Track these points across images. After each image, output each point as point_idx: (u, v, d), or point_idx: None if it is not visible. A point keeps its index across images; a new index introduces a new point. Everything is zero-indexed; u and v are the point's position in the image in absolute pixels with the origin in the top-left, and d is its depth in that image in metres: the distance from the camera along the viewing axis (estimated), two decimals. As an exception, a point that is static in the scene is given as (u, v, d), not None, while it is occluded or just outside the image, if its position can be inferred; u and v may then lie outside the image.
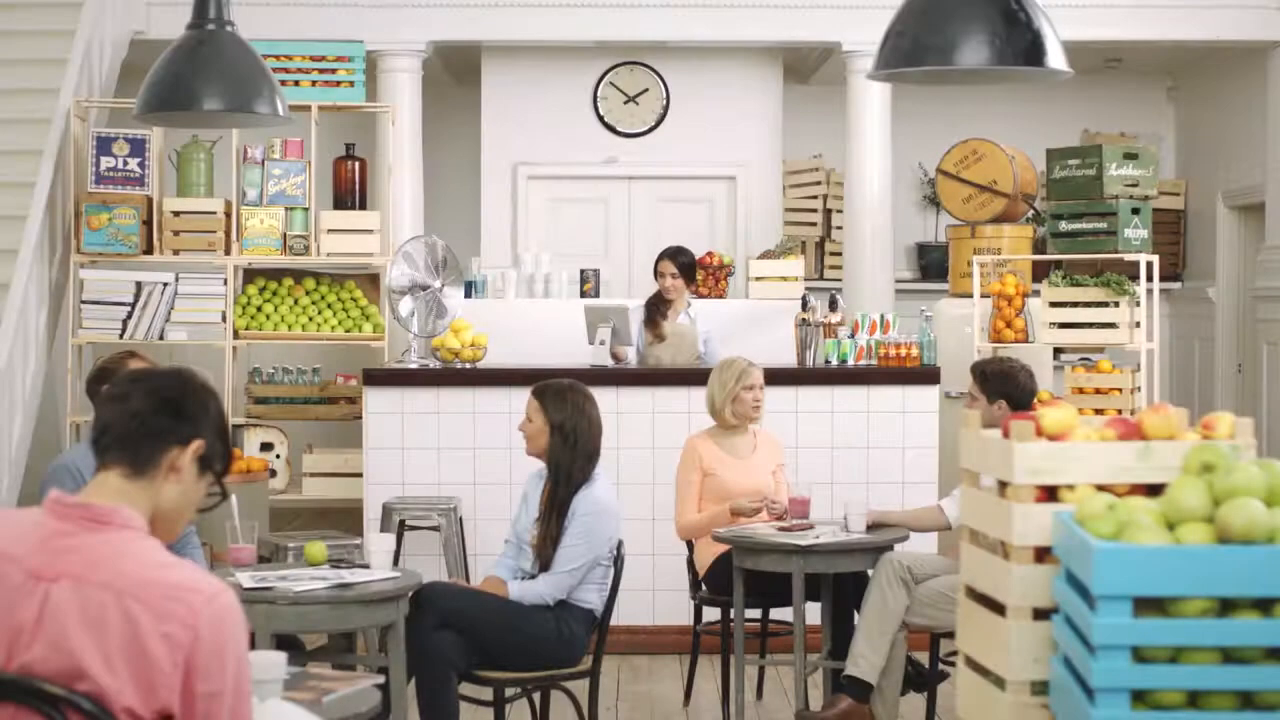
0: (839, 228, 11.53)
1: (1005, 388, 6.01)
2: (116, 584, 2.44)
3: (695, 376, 7.24)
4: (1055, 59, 4.61)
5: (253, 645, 4.70)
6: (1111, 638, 2.51)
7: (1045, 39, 4.59)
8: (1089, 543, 2.55)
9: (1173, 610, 2.53)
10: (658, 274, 8.43)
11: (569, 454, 5.39)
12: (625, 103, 10.89)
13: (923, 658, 6.17)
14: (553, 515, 5.37)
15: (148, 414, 2.58)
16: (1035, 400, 6.14)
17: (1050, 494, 2.89)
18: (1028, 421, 2.89)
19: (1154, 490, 2.88)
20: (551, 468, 5.45)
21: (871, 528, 6.08)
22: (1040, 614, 2.87)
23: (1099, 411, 7.86)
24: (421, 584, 5.14)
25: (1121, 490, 2.87)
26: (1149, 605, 2.54)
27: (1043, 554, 2.87)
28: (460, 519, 7.30)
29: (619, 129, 10.88)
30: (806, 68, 11.50)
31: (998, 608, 2.95)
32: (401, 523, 7.16)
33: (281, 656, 3.14)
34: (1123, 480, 2.87)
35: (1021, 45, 4.55)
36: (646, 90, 10.89)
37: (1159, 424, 2.90)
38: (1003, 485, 2.95)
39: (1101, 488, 2.85)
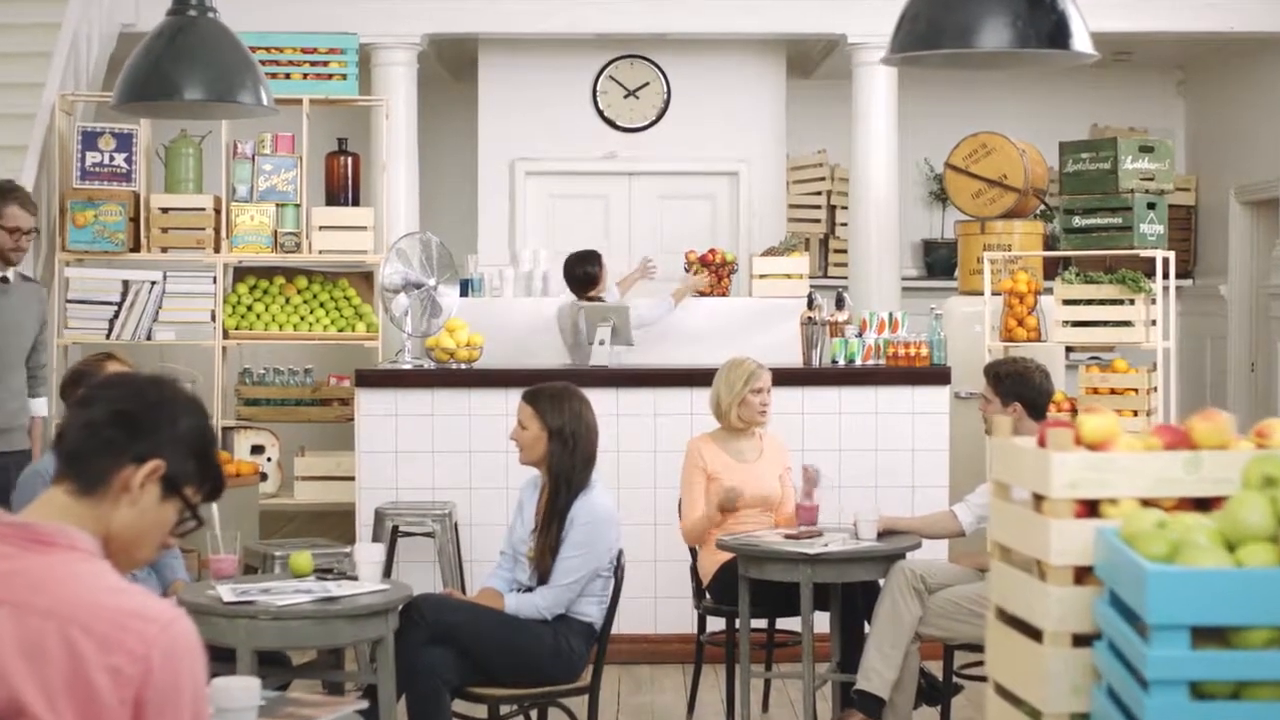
0: (843, 224, 11.37)
1: (1020, 389, 5.79)
2: (59, 611, 2.19)
3: (698, 377, 7.02)
4: (1081, 41, 4.38)
5: (233, 664, 4.49)
6: (1167, 672, 2.26)
7: (1070, 20, 4.35)
8: (1141, 565, 2.31)
9: (1235, 641, 2.29)
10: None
11: (569, 460, 5.15)
12: (625, 97, 10.70)
13: (936, 668, 5.93)
14: (553, 525, 5.13)
15: (101, 425, 2.34)
16: (1051, 402, 5.93)
17: (1090, 508, 2.65)
18: (1065, 429, 2.64)
19: (1203, 505, 2.64)
20: (551, 476, 5.20)
21: (882, 535, 5.84)
22: (1080, 640, 2.62)
23: (1115, 412, 7.62)
24: (412, 596, 4.88)
25: (1168, 505, 2.63)
26: (1208, 635, 2.30)
27: (1082, 574, 2.63)
28: (455, 525, 7.07)
29: (619, 123, 10.70)
30: (810, 61, 11.33)
31: (1032, 632, 2.70)
32: (394, 529, 6.93)
33: (254, 683, 2.91)
34: (1170, 494, 2.63)
35: (1045, 27, 4.31)
36: (647, 84, 10.71)
37: (1209, 432, 2.66)
38: (1038, 499, 2.71)
39: (1146, 502, 2.61)
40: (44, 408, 6.62)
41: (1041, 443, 2.69)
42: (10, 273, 6.55)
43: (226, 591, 4.60)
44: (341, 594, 4.64)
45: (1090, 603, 2.59)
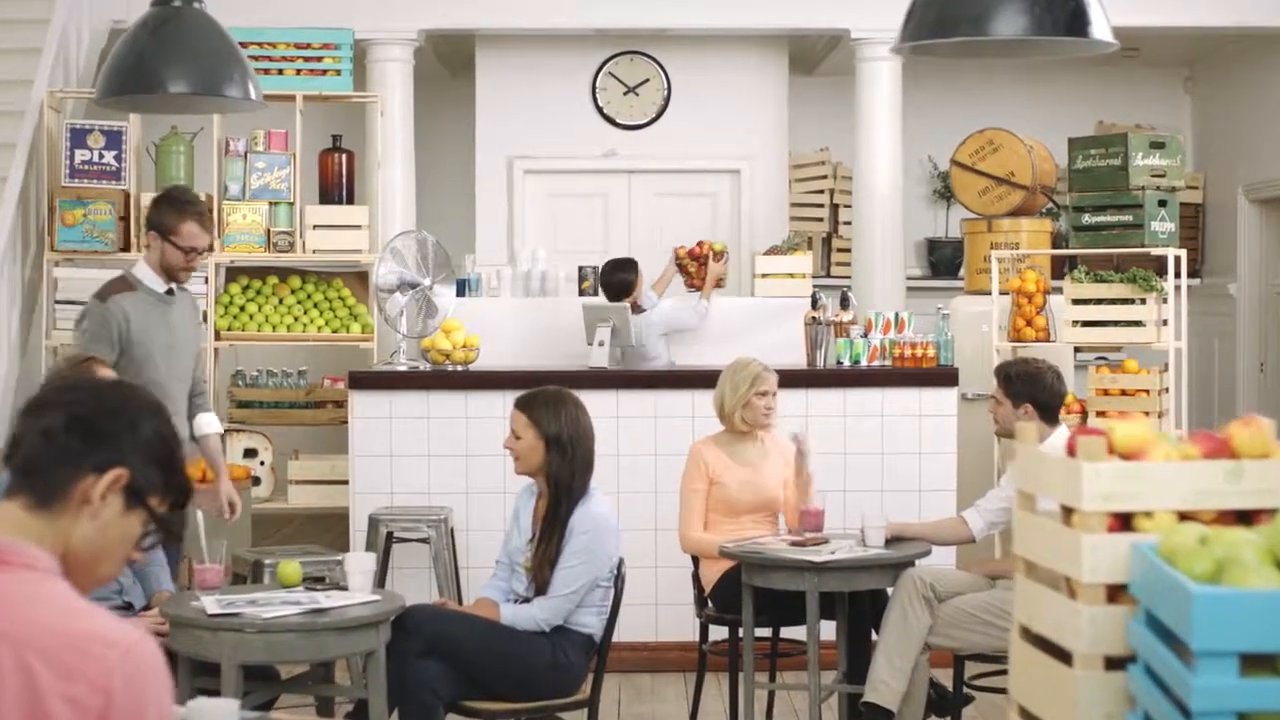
0: (846, 223, 11.24)
1: (1032, 390, 5.63)
2: (13, 634, 2.02)
3: (700, 379, 6.85)
4: (1100, 29, 4.20)
5: (218, 679, 4.31)
6: (1215, 702, 2.09)
7: (1088, 6, 4.18)
8: (1185, 586, 2.13)
9: (1287, 668, 2.12)
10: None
11: (568, 468, 4.97)
12: (625, 94, 10.59)
13: (944, 676, 5.76)
14: (553, 535, 4.95)
15: (58, 432, 2.16)
16: (1064, 404, 5.76)
17: (1123, 521, 2.48)
18: (1097, 438, 2.47)
19: (1244, 517, 2.47)
20: (551, 485, 5.02)
21: (890, 541, 5.67)
22: (1113, 663, 2.45)
23: (1125, 415, 7.47)
24: (404, 607, 4.70)
25: (1207, 518, 2.46)
26: (1257, 662, 2.12)
27: (1116, 592, 2.46)
28: (451, 530, 6.90)
29: (618, 121, 10.58)
30: (813, 57, 11.21)
31: (1061, 654, 2.53)
32: (389, 534, 6.76)
33: (232, 705, 2.73)
34: (1210, 506, 2.45)
35: (1063, 14, 4.14)
36: (647, 80, 10.59)
37: (1251, 439, 2.49)
38: (1067, 511, 2.53)
39: (1183, 515, 2.44)
40: (217, 423, 6.10)
41: (1071, 451, 2.52)
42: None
43: (211, 603, 4.42)
44: (331, 605, 4.46)
45: (1124, 623, 2.42)
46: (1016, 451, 2.76)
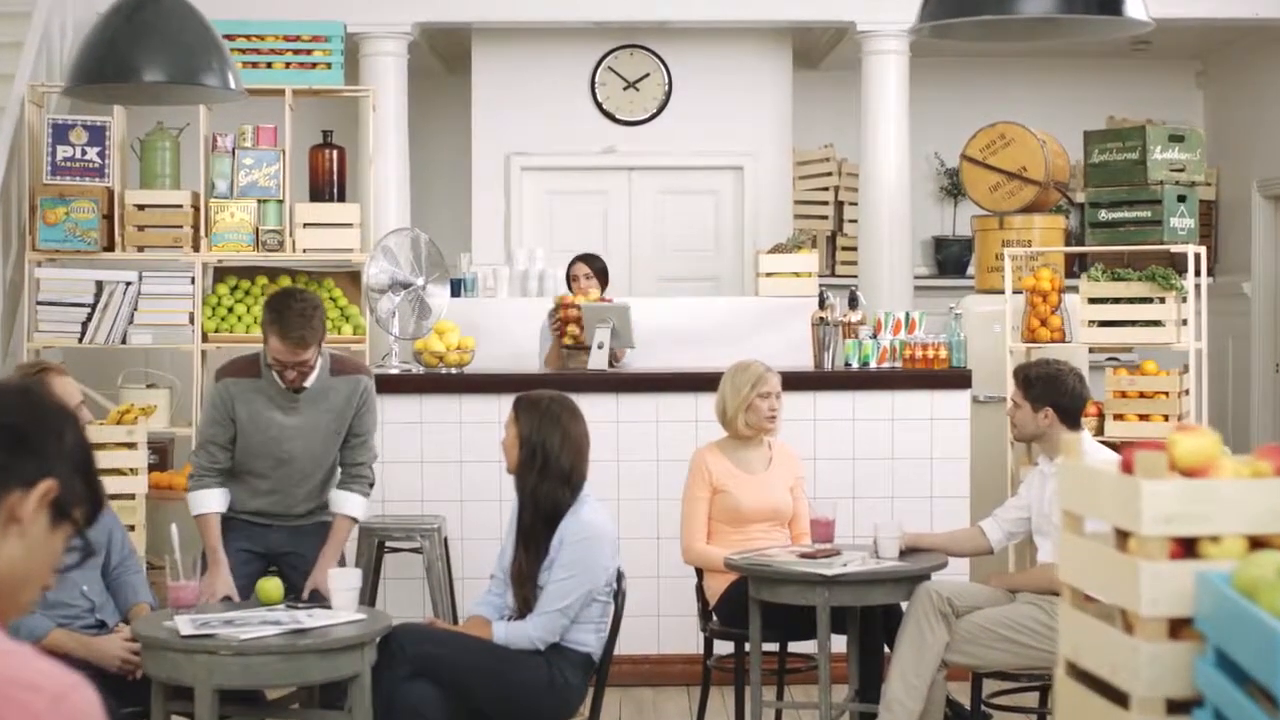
0: (852, 221, 11.02)
1: (1053, 393, 5.38)
2: None
3: (702, 381, 6.60)
4: (1134, 7, 3.94)
5: (192, 703, 4.05)
6: (1307, 760, 1.83)
7: (1122, -16, 3.92)
8: (1268, 625, 1.87)
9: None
10: (570, 278, 8.35)
11: (535, 476, 4.68)
12: (625, 88, 10.38)
13: (958, 688, 5.51)
14: (528, 546, 4.68)
15: None
16: (1086, 407, 5.50)
17: (1186, 547, 2.21)
18: (1158, 453, 2.20)
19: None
20: (517, 490, 4.75)
21: (905, 553, 5.41)
22: (1176, 706, 2.18)
23: (1143, 417, 7.22)
24: (391, 627, 4.43)
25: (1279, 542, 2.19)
26: (1354, 713, 1.86)
27: (1179, 627, 2.19)
28: (445, 540, 6.64)
29: (618, 116, 10.36)
30: (817, 51, 11.00)
31: (1115, 695, 2.26)
32: (380, 544, 6.50)
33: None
34: (1285, 530, 2.19)
35: (1095, -9, 3.88)
36: (647, 75, 10.38)
37: (1329, 454, 2.22)
38: (1122, 535, 2.27)
39: (1254, 540, 2.18)
40: (356, 506, 5.53)
41: (1127, 468, 2.25)
42: (310, 377, 5.44)
43: (185, 624, 4.14)
44: (313, 625, 4.19)
45: (1189, 662, 2.15)
46: (1061, 465, 2.49)
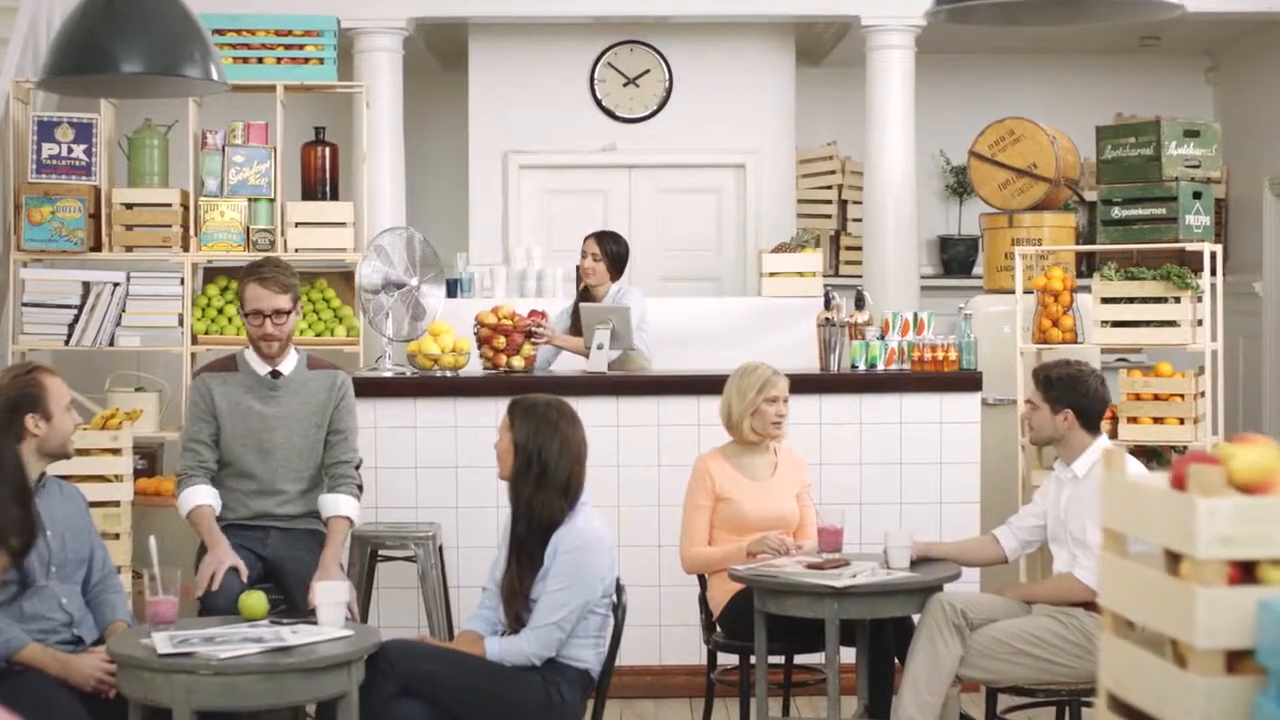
0: (856, 220, 10.87)
1: (1073, 395, 5.19)
2: None
3: (706, 384, 6.40)
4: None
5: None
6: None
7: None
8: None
9: None
10: (581, 254, 7.90)
11: (531, 485, 4.48)
12: (625, 85, 10.25)
13: (971, 701, 5.31)
14: (520, 561, 4.47)
15: None
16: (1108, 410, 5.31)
17: (1244, 571, 2.01)
18: (1214, 467, 2.00)
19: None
20: (510, 498, 4.55)
21: (916, 563, 5.21)
22: (1233, 746, 1.99)
23: (1158, 421, 7.01)
24: (379, 644, 4.22)
25: (1348, 566, 1.99)
26: None
27: (1236, 660, 1.99)
28: (440, 548, 6.43)
29: (618, 114, 10.24)
30: (821, 46, 10.86)
31: (1165, 732, 2.07)
32: (373, 553, 6.30)
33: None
34: (1355, 553, 1.99)
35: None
36: (648, 71, 10.24)
37: (1402, 469, 2.02)
38: (1173, 557, 2.07)
39: (1319, 563, 1.98)
40: (348, 506, 5.37)
41: (1179, 483, 2.05)
42: (286, 363, 5.46)
43: (163, 641, 3.94)
44: (297, 643, 3.98)
45: (1248, 698, 1.95)
46: (1104, 479, 2.29)
